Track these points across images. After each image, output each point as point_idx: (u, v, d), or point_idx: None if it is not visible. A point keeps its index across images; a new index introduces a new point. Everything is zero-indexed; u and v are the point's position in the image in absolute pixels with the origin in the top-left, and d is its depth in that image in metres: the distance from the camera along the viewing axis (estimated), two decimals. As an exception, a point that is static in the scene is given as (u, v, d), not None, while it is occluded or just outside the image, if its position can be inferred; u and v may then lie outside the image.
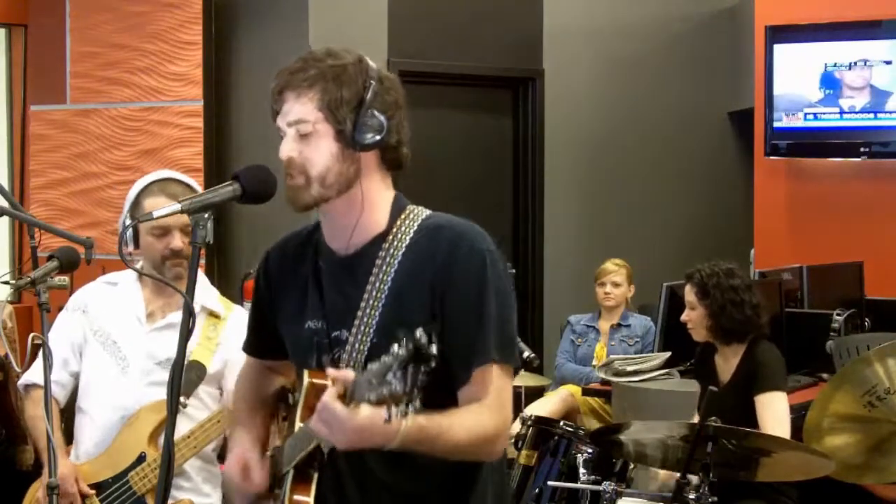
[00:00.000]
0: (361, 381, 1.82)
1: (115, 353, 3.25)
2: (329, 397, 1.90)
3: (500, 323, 2.08)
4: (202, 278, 3.29)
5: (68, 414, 3.49)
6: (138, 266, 3.28)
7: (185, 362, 2.18)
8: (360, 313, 2.12)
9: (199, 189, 3.24)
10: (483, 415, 2.05)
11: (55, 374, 3.18)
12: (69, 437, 3.57)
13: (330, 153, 2.10)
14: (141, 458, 3.18)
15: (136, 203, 3.21)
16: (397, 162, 2.18)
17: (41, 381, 3.24)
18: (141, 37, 6.27)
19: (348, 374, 1.90)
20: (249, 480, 2.29)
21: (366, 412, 1.85)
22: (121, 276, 3.36)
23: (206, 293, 3.31)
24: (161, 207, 3.12)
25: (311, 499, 2.09)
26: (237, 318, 3.30)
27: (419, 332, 1.72)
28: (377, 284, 2.12)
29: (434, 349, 1.72)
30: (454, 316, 2.06)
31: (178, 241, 3.14)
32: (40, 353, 3.27)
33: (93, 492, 3.21)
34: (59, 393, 3.29)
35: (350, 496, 2.17)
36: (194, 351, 3.19)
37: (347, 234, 2.17)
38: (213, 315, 3.28)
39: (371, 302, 2.12)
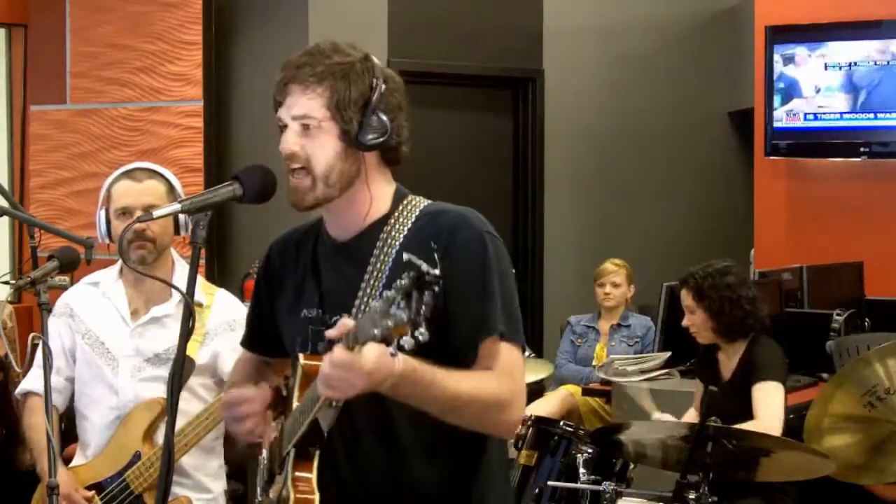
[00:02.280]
0: (364, 322, 1.80)
1: (104, 354, 3.24)
2: (338, 352, 1.85)
3: (503, 300, 2.08)
4: (183, 264, 3.28)
5: (67, 419, 3.48)
6: (118, 264, 3.27)
7: (175, 357, 2.17)
8: (360, 293, 2.12)
9: (169, 175, 3.24)
10: (490, 378, 2.05)
11: (51, 382, 3.17)
12: (66, 442, 3.55)
13: (334, 151, 2.12)
14: (136, 457, 3.18)
15: (108, 194, 3.22)
16: (396, 160, 2.20)
17: (38, 389, 3.25)
18: (141, 37, 6.25)
19: (348, 322, 1.86)
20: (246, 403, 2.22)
21: (372, 351, 1.82)
22: (102, 276, 3.34)
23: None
24: (125, 191, 3.18)
25: (313, 475, 2.07)
26: (221, 304, 3.29)
27: (420, 261, 1.72)
28: (378, 266, 2.13)
29: (437, 270, 1.71)
30: (458, 295, 2.05)
31: None
32: (36, 361, 3.26)
33: (93, 493, 3.21)
34: (58, 399, 3.27)
35: (346, 478, 2.15)
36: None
37: (348, 225, 2.19)
38: (196, 304, 3.25)
39: (372, 283, 2.12)
